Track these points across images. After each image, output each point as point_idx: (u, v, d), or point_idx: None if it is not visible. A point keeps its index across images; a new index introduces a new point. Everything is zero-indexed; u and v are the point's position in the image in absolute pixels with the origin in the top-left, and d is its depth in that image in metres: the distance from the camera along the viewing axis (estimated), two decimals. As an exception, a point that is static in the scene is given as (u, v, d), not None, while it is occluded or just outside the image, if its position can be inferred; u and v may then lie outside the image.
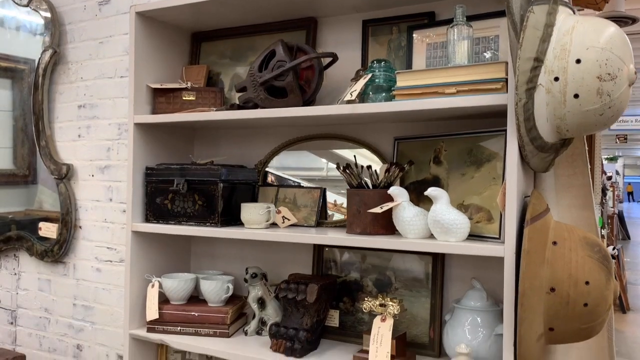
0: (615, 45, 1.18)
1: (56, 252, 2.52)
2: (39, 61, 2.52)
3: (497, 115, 1.49)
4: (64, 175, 2.48)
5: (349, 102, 1.57)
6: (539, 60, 1.22)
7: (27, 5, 2.57)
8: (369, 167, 1.65)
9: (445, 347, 1.55)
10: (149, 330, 1.87)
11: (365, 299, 1.60)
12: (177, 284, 1.89)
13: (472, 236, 1.48)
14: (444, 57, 1.64)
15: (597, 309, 1.24)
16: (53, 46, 2.51)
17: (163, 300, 1.92)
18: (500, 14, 1.56)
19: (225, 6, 1.83)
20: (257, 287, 1.84)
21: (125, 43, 2.37)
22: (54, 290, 2.58)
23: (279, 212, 1.80)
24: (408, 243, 1.46)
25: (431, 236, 1.50)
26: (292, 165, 1.98)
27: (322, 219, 1.86)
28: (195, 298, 1.98)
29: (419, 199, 1.63)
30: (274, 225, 1.82)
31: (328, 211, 1.89)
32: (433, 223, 1.44)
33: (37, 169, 2.61)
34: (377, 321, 1.55)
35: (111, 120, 2.42)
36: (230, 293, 1.88)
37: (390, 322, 1.54)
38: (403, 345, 1.59)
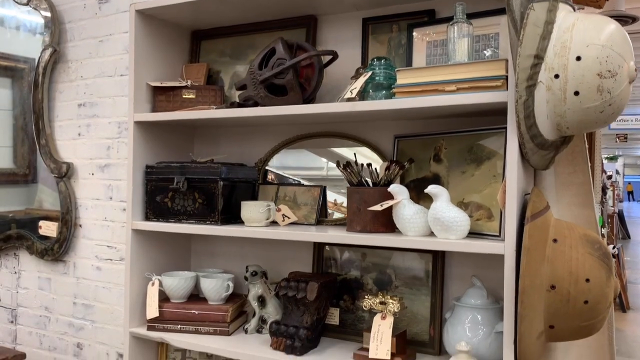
0: (615, 43, 1.18)
1: (56, 250, 2.51)
2: (38, 60, 2.52)
3: (497, 113, 1.49)
4: (64, 173, 2.48)
5: (349, 99, 1.57)
6: (539, 58, 1.22)
7: (27, 4, 2.57)
8: (369, 165, 1.65)
9: (445, 345, 1.55)
10: (149, 328, 1.87)
11: (366, 296, 1.61)
12: (177, 282, 1.89)
13: (472, 234, 1.48)
14: (444, 55, 1.64)
15: (597, 307, 1.24)
16: (53, 45, 2.51)
17: (163, 298, 1.92)
18: (500, 11, 1.56)
19: (224, 4, 1.83)
20: (257, 285, 1.84)
21: (125, 41, 2.37)
22: (54, 288, 2.58)
23: (279, 210, 1.80)
24: (408, 241, 1.46)
25: (431, 234, 1.50)
26: (292, 164, 1.98)
27: (322, 217, 1.86)
28: (196, 296, 1.98)
29: (419, 196, 1.63)
30: (274, 223, 1.82)
31: (328, 210, 1.89)
32: (433, 221, 1.43)
33: (37, 168, 2.61)
34: (377, 319, 1.56)
35: (111, 119, 2.42)
36: (230, 291, 1.88)
37: (390, 320, 1.54)
38: (403, 343, 1.59)
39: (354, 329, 1.78)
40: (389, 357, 1.51)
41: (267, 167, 2.01)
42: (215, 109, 1.81)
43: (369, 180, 1.64)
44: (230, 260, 2.10)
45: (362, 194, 1.58)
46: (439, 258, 1.68)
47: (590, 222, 1.50)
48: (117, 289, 2.39)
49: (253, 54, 2.01)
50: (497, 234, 1.43)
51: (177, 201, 1.86)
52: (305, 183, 1.94)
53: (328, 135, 1.89)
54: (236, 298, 1.96)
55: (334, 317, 1.80)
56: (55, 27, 2.52)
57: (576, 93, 1.19)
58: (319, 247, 1.89)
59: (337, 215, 1.87)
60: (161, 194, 1.89)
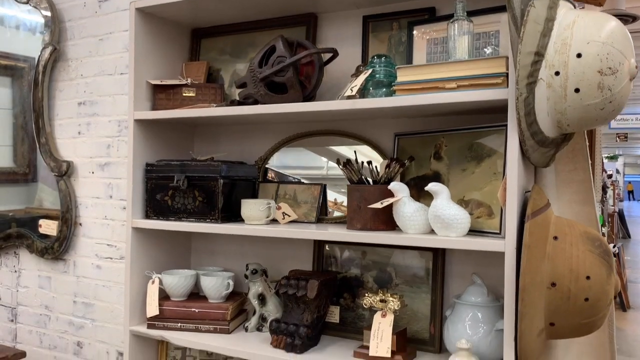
0: (616, 40, 1.18)
1: (56, 249, 2.51)
2: (38, 58, 2.52)
3: (497, 111, 1.49)
4: (64, 172, 2.48)
5: (349, 97, 1.57)
6: (539, 55, 1.22)
7: (26, 3, 2.57)
8: (370, 162, 1.65)
9: (445, 343, 1.55)
10: (150, 326, 1.87)
11: (366, 294, 1.60)
12: (178, 281, 1.89)
13: (473, 231, 1.48)
14: (444, 52, 1.63)
15: (598, 304, 1.24)
16: (53, 43, 2.50)
17: (163, 296, 1.92)
18: (500, 9, 1.55)
19: (224, 2, 1.83)
20: (257, 283, 1.84)
21: (125, 40, 2.36)
22: (54, 287, 2.58)
23: (279, 208, 1.80)
24: (408, 238, 1.46)
25: (432, 232, 1.49)
26: (292, 164, 1.98)
27: (322, 215, 1.86)
28: (196, 294, 1.98)
29: (420, 194, 1.63)
30: (274, 221, 1.82)
31: (328, 209, 1.89)
32: (433, 218, 1.43)
33: (37, 167, 2.61)
34: (377, 317, 1.55)
35: (111, 117, 2.41)
36: (230, 289, 1.88)
37: (390, 317, 1.54)
38: (403, 340, 1.59)
39: (354, 327, 1.78)
40: (389, 355, 1.51)
41: (267, 166, 2.01)
42: (216, 107, 1.81)
43: (369, 178, 1.64)
44: (230, 259, 2.10)
45: (362, 192, 1.58)
46: (439, 256, 1.68)
47: (591, 219, 1.50)
48: (117, 288, 2.39)
49: (253, 52, 2.01)
50: (498, 232, 1.43)
51: (177, 199, 1.86)
52: (306, 182, 1.94)
53: (328, 134, 1.89)
54: (236, 296, 1.96)
55: (334, 315, 1.80)
56: (55, 26, 2.52)
57: (577, 90, 1.19)
58: (319, 245, 1.89)
59: (337, 214, 1.87)
60: (161, 192, 1.89)
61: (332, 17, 1.89)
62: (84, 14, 2.50)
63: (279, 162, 2.00)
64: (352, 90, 1.57)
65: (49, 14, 2.51)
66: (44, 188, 2.59)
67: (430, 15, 1.70)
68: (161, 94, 1.94)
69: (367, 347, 1.55)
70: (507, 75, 1.35)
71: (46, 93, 2.54)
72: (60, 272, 2.56)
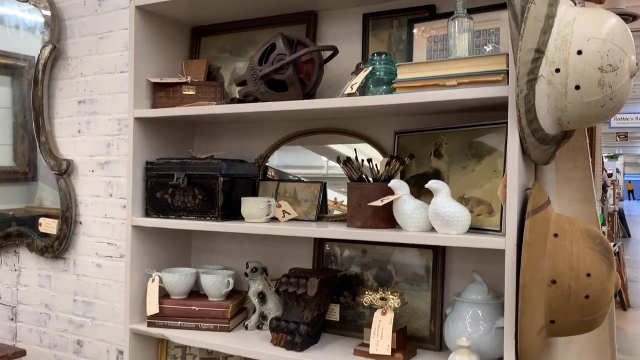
0: (616, 37, 1.17)
1: (56, 248, 2.51)
2: (38, 57, 2.51)
3: (497, 109, 1.48)
4: (64, 170, 2.48)
5: (349, 95, 1.57)
6: (540, 52, 1.21)
7: (26, 1, 2.57)
8: (370, 160, 1.65)
9: (446, 341, 1.55)
10: (150, 324, 1.87)
11: (366, 292, 1.60)
12: (178, 279, 1.89)
13: (473, 229, 1.47)
14: (444, 50, 1.63)
15: (598, 301, 1.24)
16: (53, 41, 2.50)
17: (163, 294, 1.92)
18: (500, 6, 1.55)
19: (224, 0, 1.83)
20: (257, 281, 1.84)
21: (125, 38, 2.36)
22: (54, 286, 2.58)
23: (279, 206, 1.80)
24: (409, 236, 1.46)
25: (432, 229, 1.49)
26: (292, 163, 1.98)
27: (322, 214, 1.86)
28: (196, 293, 1.98)
29: (420, 192, 1.62)
30: (274, 219, 1.82)
31: (328, 208, 1.89)
32: (434, 216, 1.43)
33: (37, 166, 2.61)
34: (377, 314, 1.55)
35: (111, 116, 2.41)
36: (230, 287, 1.88)
37: (390, 315, 1.54)
38: (404, 338, 1.59)
39: (355, 325, 1.78)
40: (389, 353, 1.51)
41: (267, 164, 2.00)
42: (215, 104, 1.81)
43: (369, 176, 1.64)
44: (230, 257, 2.10)
45: (362, 190, 1.57)
46: (439, 254, 1.68)
47: (591, 217, 1.50)
48: (117, 286, 2.39)
49: (253, 50, 2.01)
50: (498, 229, 1.43)
51: (177, 197, 1.86)
52: (305, 180, 1.94)
53: (328, 132, 1.89)
54: (236, 294, 1.95)
55: (334, 313, 1.80)
56: (55, 24, 2.52)
57: (577, 87, 1.19)
58: (319, 243, 1.88)
59: (337, 213, 1.87)
60: (161, 190, 1.89)
61: (332, 15, 1.89)
62: (83, 12, 2.50)
63: (279, 161, 2.00)
64: (352, 88, 1.57)
65: (48, 13, 2.51)
66: (44, 187, 2.59)
67: (430, 13, 1.70)
68: (161, 92, 1.93)
69: (367, 345, 1.55)
70: (507, 72, 1.35)
71: (46, 91, 2.54)
72: (60, 271, 2.56)
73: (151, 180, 1.91)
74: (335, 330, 1.80)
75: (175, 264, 2.08)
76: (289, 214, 1.79)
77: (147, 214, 1.92)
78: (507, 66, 1.36)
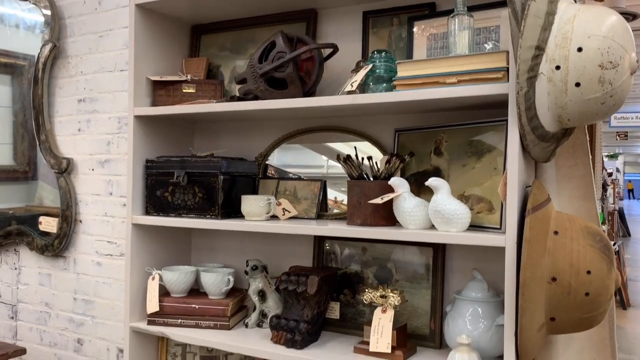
0: (617, 34, 1.17)
1: (56, 246, 2.51)
2: (38, 55, 2.51)
3: (497, 106, 1.48)
4: (64, 169, 2.48)
5: (349, 92, 1.57)
6: (540, 49, 1.21)
7: (26, 0, 2.57)
8: (370, 158, 1.65)
9: (446, 338, 1.55)
10: (150, 323, 1.87)
11: (366, 290, 1.60)
12: (178, 277, 1.89)
13: (473, 227, 1.47)
14: (444, 48, 1.63)
15: (598, 298, 1.24)
16: (53, 40, 2.50)
17: (163, 293, 1.92)
18: (501, 4, 1.55)
19: (225, -2, 1.83)
20: (257, 279, 1.84)
21: (125, 36, 2.36)
22: (54, 284, 2.58)
23: (279, 204, 1.80)
24: (409, 234, 1.46)
25: (432, 227, 1.49)
26: (292, 162, 1.98)
27: (322, 212, 1.86)
28: (196, 291, 1.98)
29: (420, 190, 1.62)
30: (274, 217, 1.82)
31: (328, 207, 1.88)
32: (434, 213, 1.43)
33: (37, 165, 2.60)
34: (377, 312, 1.55)
35: (111, 114, 2.41)
36: (230, 285, 1.88)
37: (391, 313, 1.54)
38: (404, 336, 1.59)
39: (355, 323, 1.78)
40: (389, 351, 1.51)
41: (267, 163, 2.00)
42: (215, 102, 1.81)
43: (369, 174, 1.63)
44: (230, 255, 2.10)
45: (362, 188, 1.57)
46: (439, 251, 1.68)
47: (591, 215, 1.50)
48: (117, 284, 2.39)
49: (253, 48, 2.01)
50: (498, 227, 1.43)
51: (177, 195, 1.86)
52: (306, 178, 1.94)
53: (328, 130, 1.89)
54: (236, 292, 1.95)
55: (334, 311, 1.80)
56: (55, 23, 2.51)
57: (577, 84, 1.19)
58: (319, 241, 1.88)
59: (337, 211, 1.87)
60: (161, 188, 1.89)
61: (332, 13, 1.89)
62: (83, 10, 2.50)
63: (279, 161, 2.00)
64: (352, 86, 1.57)
65: (49, 12, 2.51)
66: (44, 186, 2.59)
67: (430, 11, 1.70)
68: (161, 90, 1.93)
69: (368, 343, 1.55)
70: (507, 69, 1.35)
71: (46, 90, 2.54)
72: (61, 269, 2.56)
73: (151, 179, 1.91)
74: (335, 328, 1.80)
75: (176, 262, 2.08)
76: (289, 212, 1.79)
77: (147, 212, 1.92)
78: (507, 63, 1.36)
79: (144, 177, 1.92)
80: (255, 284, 1.84)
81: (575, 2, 1.28)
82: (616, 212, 8.20)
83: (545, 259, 1.24)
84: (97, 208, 2.45)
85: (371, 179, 1.63)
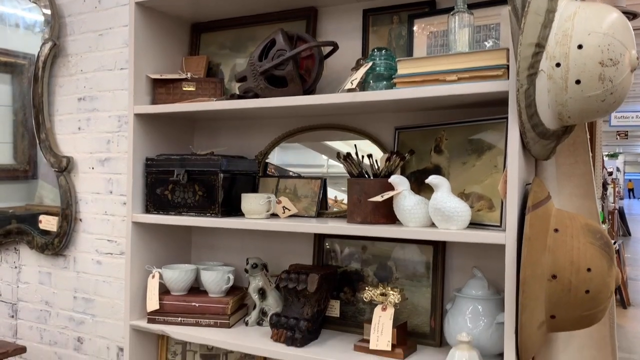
0: (617, 31, 1.17)
1: (56, 245, 2.51)
2: (38, 54, 2.51)
3: (497, 104, 1.48)
4: (64, 168, 2.48)
5: (349, 90, 1.57)
6: (540, 46, 1.21)
7: (26, -2, 2.57)
8: (370, 156, 1.65)
9: (446, 336, 1.55)
10: (150, 321, 1.87)
11: (366, 288, 1.60)
12: (178, 275, 1.89)
13: (473, 224, 1.47)
14: (444, 45, 1.63)
15: (599, 296, 1.23)
16: (53, 39, 2.50)
17: (163, 291, 1.92)
18: (501, 2, 1.55)
19: (225, -4, 1.83)
20: (257, 277, 1.84)
21: (125, 35, 2.36)
22: (54, 283, 2.58)
23: (279, 202, 1.80)
24: (409, 231, 1.46)
25: (432, 225, 1.49)
26: (292, 162, 1.98)
27: (322, 210, 1.86)
28: (196, 289, 1.98)
29: (420, 188, 1.62)
30: (274, 215, 1.81)
31: (329, 205, 1.88)
32: (434, 211, 1.43)
33: (37, 164, 2.60)
34: (378, 310, 1.55)
35: (111, 113, 2.41)
36: (230, 284, 1.88)
37: (391, 311, 1.54)
38: (404, 334, 1.58)
39: (355, 321, 1.78)
40: (389, 349, 1.51)
41: (267, 161, 2.00)
42: (215, 100, 1.80)
43: (369, 172, 1.63)
44: (230, 253, 2.10)
45: (362, 185, 1.57)
46: (439, 249, 1.68)
47: (592, 212, 1.49)
48: (117, 283, 2.39)
49: (253, 46, 2.01)
50: (498, 224, 1.43)
51: (178, 193, 1.86)
52: (306, 176, 1.94)
53: (328, 128, 1.89)
54: (237, 290, 1.95)
55: (334, 309, 1.80)
56: (55, 21, 2.51)
57: (578, 82, 1.19)
58: (319, 239, 1.88)
59: (337, 210, 1.87)
60: (161, 186, 1.89)
61: (332, 11, 1.89)
62: (83, 9, 2.50)
63: (280, 160, 2.00)
64: (352, 84, 1.56)
65: (48, 10, 2.51)
66: (44, 185, 2.59)
67: (430, 9, 1.70)
68: (161, 89, 1.93)
69: (368, 341, 1.55)
70: (507, 67, 1.35)
71: (46, 89, 2.54)
72: (61, 268, 2.56)
73: (151, 177, 1.91)
74: (335, 326, 1.80)
75: (176, 261, 2.08)
76: (289, 210, 1.79)
77: (147, 210, 1.92)
78: (508, 61, 1.36)
79: (144, 175, 1.92)
80: (256, 282, 1.84)
81: (576, -1, 1.28)
82: (616, 211, 8.20)
83: (545, 256, 1.24)
84: (97, 206, 2.45)
85: (371, 177, 1.62)
